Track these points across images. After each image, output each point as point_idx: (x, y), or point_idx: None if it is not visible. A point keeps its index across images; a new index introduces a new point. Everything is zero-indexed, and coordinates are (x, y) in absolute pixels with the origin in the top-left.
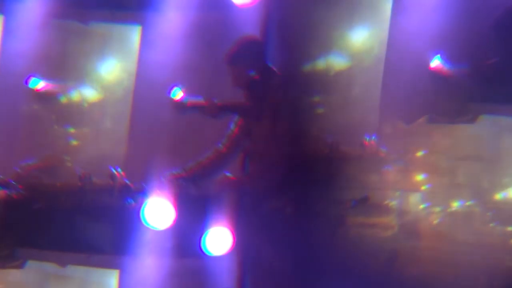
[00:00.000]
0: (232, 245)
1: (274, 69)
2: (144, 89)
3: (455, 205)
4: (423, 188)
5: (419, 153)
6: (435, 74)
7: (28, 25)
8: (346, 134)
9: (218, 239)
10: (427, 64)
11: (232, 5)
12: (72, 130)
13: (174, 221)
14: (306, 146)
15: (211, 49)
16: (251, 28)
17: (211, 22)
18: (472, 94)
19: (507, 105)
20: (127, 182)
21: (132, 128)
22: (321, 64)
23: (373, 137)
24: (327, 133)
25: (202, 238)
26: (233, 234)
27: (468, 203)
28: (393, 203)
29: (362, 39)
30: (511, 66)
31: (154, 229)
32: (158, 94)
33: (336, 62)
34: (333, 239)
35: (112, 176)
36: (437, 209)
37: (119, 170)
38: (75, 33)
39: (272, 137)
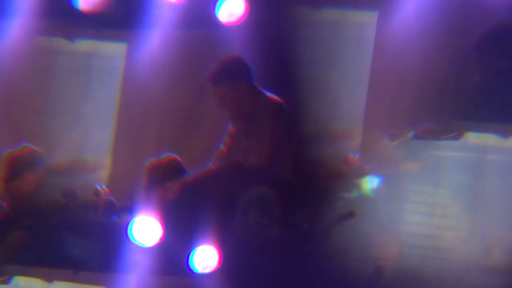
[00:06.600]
0: (219, 263)
1: (259, 88)
2: (129, 106)
3: None
4: None
5: None
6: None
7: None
8: (330, 151)
9: (205, 257)
10: (412, 81)
11: (218, 23)
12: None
13: (161, 238)
14: (291, 164)
15: (197, 68)
16: (237, 46)
17: (197, 40)
18: (457, 111)
19: (491, 123)
20: (111, 199)
21: (117, 144)
22: (307, 80)
23: (357, 154)
24: (312, 150)
25: (190, 256)
26: (219, 252)
27: None
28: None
29: (347, 55)
30: (494, 84)
31: (141, 246)
32: (143, 111)
33: (321, 78)
34: (320, 254)
35: (97, 193)
36: None
37: (103, 186)
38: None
39: (257, 157)
